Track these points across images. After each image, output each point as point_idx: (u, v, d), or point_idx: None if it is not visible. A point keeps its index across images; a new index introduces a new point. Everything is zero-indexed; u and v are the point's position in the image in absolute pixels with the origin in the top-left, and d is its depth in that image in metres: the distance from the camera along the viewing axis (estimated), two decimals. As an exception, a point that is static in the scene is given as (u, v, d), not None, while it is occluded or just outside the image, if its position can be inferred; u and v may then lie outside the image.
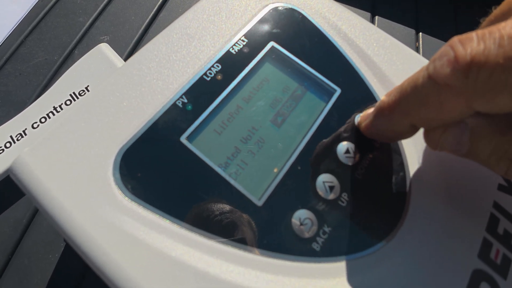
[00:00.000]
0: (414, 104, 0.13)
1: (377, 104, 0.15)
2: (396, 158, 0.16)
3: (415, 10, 0.34)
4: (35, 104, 0.23)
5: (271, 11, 0.19)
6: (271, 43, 0.18)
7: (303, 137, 0.16)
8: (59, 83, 0.24)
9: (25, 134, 0.22)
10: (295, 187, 0.15)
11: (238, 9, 0.19)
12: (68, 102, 0.24)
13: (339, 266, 0.14)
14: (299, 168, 0.15)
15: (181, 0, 0.32)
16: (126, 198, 0.14)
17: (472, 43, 0.11)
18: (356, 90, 0.18)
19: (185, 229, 0.14)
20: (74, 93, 0.24)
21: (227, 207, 0.14)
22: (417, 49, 0.32)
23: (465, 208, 0.16)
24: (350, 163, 0.16)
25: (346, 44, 0.19)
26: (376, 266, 0.14)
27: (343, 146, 0.16)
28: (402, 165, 0.16)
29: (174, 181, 0.14)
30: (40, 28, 0.30)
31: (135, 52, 0.29)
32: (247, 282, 0.13)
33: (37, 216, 0.22)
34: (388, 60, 0.19)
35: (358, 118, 0.17)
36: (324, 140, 0.16)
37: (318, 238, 0.14)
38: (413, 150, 0.17)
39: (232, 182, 0.15)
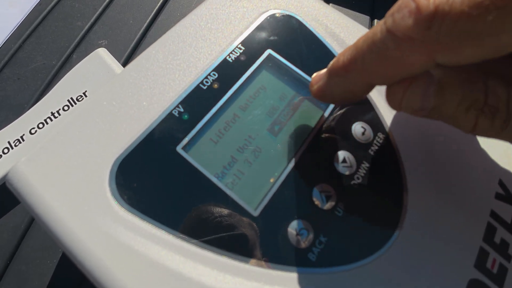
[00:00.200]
0: (371, 61, 0.12)
1: (329, 64, 0.14)
2: (393, 168, 0.16)
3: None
4: (32, 110, 0.23)
5: (268, 18, 0.19)
6: (268, 51, 0.18)
7: (300, 146, 0.16)
8: (57, 89, 0.24)
9: (23, 140, 0.22)
10: (292, 197, 0.15)
11: (235, 17, 0.19)
12: (66, 108, 0.24)
13: (335, 277, 0.14)
14: (295, 177, 0.15)
15: (180, 4, 0.32)
16: (123, 209, 0.14)
17: None
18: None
19: (181, 239, 0.14)
20: (72, 98, 0.24)
21: (223, 218, 0.14)
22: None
23: (462, 217, 0.16)
24: (347, 173, 0.16)
25: (344, 51, 0.19)
26: (373, 276, 0.14)
27: (340, 155, 0.16)
28: (399, 174, 0.16)
29: (170, 191, 0.14)
30: (38, 32, 0.30)
31: (134, 56, 0.29)
32: (243, 293, 0.13)
33: (35, 222, 0.22)
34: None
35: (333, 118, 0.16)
36: (321, 149, 0.16)
37: (314, 249, 0.14)
38: (411, 159, 0.17)
39: (228, 192, 0.15)
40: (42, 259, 0.21)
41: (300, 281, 0.13)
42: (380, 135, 0.17)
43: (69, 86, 0.24)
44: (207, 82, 0.17)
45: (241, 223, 0.14)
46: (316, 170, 0.16)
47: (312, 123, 0.17)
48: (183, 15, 0.31)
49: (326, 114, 0.17)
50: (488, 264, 0.15)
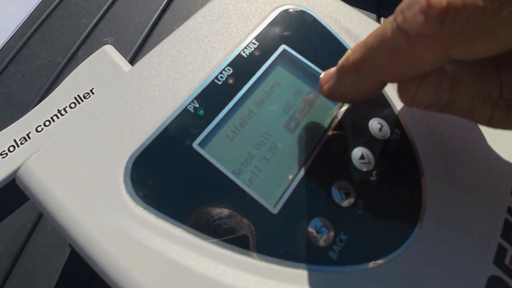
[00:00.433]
0: (383, 59, 0.12)
1: (339, 63, 0.14)
2: (411, 164, 0.16)
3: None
4: (39, 107, 0.23)
5: (281, 13, 0.19)
6: (283, 46, 0.18)
7: (317, 142, 0.16)
8: (63, 86, 0.24)
9: (29, 138, 0.22)
10: (310, 194, 0.15)
11: (248, 12, 0.19)
12: (72, 105, 0.23)
13: (357, 275, 0.13)
14: (313, 174, 0.15)
15: (186, 1, 0.32)
16: (138, 206, 0.13)
17: None
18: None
19: (199, 238, 0.13)
20: (78, 95, 0.24)
21: (241, 215, 0.14)
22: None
23: (479, 214, 0.15)
24: (365, 169, 0.16)
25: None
26: (394, 274, 0.14)
27: (358, 151, 0.16)
28: (417, 171, 0.16)
29: (186, 188, 0.14)
30: (43, 30, 0.29)
31: (140, 54, 0.29)
32: (263, 292, 0.13)
33: (41, 220, 0.22)
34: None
35: (339, 109, 0.16)
36: (338, 146, 0.16)
37: (334, 246, 0.14)
38: (428, 154, 0.16)
39: (247, 189, 0.14)
40: (49, 258, 0.21)
41: (322, 279, 0.13)
42: (397, 131, 0.17)
43: (76, 83, 0.24)
44: (222, 77, 0.16)
45: (260, 221, 0.14)
46: (334, 167, 0.15)
47: (328, 119, 0.17)
48: (190, 11, 0.31)
49: (342, 110, 0.17)
50: (507, 261, 0.15)
